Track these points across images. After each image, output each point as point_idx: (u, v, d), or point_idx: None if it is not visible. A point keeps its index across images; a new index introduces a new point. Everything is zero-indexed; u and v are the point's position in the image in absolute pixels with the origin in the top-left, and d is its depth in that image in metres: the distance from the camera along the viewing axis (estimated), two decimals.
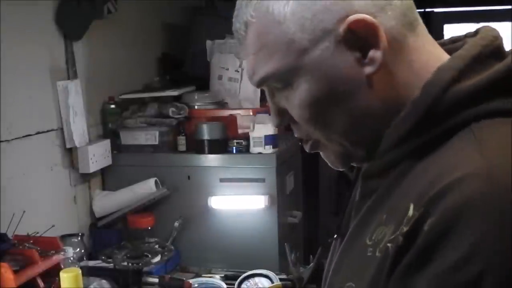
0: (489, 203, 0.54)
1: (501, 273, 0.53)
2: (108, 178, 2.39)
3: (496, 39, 0.67)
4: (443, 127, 0.63)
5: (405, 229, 0.58)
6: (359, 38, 0.64)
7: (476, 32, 0.70)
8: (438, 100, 0.63)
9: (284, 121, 0.74)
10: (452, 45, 0.73)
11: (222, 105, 2.52)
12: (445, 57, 0.67)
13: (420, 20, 0.69)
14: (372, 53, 0.65)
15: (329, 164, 0.77)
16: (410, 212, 0.59)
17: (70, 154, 2.17)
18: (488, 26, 0.70)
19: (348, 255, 0.71)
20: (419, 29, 0.68)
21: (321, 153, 0.76)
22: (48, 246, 1.66)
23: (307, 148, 0.76)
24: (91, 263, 2.04)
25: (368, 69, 0.65)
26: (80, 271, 1.43)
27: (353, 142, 0.71)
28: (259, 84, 0.71)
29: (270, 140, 2.19)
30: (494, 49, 0.66)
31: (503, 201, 0.54)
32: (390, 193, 0.67)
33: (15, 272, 1.50)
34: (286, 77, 0.68)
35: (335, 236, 0.82)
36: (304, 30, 0.66)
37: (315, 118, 0.69)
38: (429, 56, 0.68)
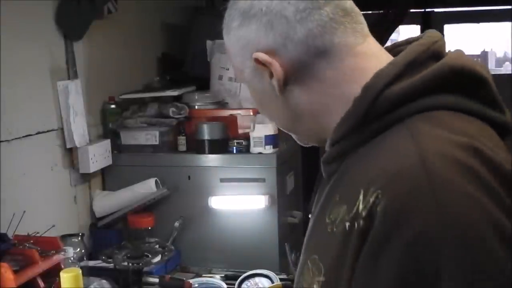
0: (426, 193, 0.66)
1: (455, 249, 0.64)
2: (108, 178, 2.39)
3: (434, 43, 0.79)
4: (380, 123, 0.76)
5: (363, 214, 0.69)
6: (265, 67, 0.83)
7: (421, 36, 0.82)
8: (375, 101, 0.75)
9: None
10: (401, 48, 0.84)
11: (222, 105, 2.52)
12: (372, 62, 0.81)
13: (342, 40, 0.81)
14: (273, 80, 0.83)
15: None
16: (361, 197, 0.70)
17: (70, 154, 2.17)
18: (431, 30, 0.83)
19: (314, 232, 0.85)
20: (335, 51, 0.81)
21: None
22: (48, 246, 1.66)
23: None
24: (91, 263, 2.04)
25: (275, 90, 0.84)
26: (80, 271, 1.43)
27: (295, 134, 0.93)
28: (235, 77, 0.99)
29: (270, 140, 2.19)
30: (432, 52, 0.78)
31: (434, 189, 0.66)
32: (342, 178, 0.80)
33: (15, 272, 1.50)
34: (242, 83, 0.92)
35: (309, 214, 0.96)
36: (237, 58, 0.88)
37: (263, 113, 0.95)
38: (350, 64, 0.81)
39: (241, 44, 0.85)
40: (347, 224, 0.71)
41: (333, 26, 0.80)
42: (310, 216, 0.93)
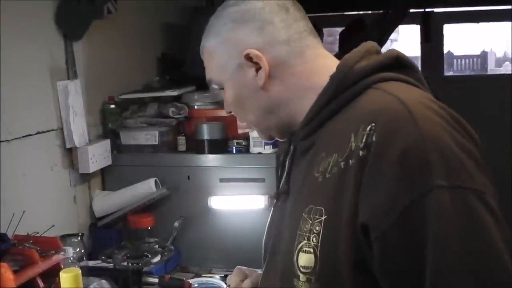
0: (408, 119, 0.84)
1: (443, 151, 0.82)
2: (108, 178, 2.39)
3: (375, 45, 1.02)
4: (351, 90, 0.95)
5: (361, 145, 0.86)
6: (253, 62, 1.01)
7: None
8: (348, 73, 0.96)
9: (227, 111, 1.13)
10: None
11: (222, 105, 2.50)
12: (333, 61, 1.03)
13: (312, 44, 1.04)
14: (260, 72, 1.01)
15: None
16: (352, 138, 0.88)
17: (70, 154, 2.17)
18: (370, 41, 1.04)
19: (304, 190, 0.97)
20: (308, 53, 1.03)
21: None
22: (48, 246, 1.66)
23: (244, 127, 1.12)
24: (91, 263, 2.04)
25: (260, 82, 1.02)
26: (80, 271, 1.42)
27: (265, 127, 1.08)
28: (208, 83, 1.11)
29: None
30: (376, 50, 1.01)
31: (414, 116, 0.84)
32: (324, 141, 0.96)
33: (15, 272, 1.50)
34: (219, 84, 1.09)
35: (277, 197, 1.10)
36: (222, 57, 1.05)
37: (236, 111, 1.09)
38: (319, 62, 1.03)
39: (231, 44, 1.03)
40: (342, 163, 0.88)
41: (306, 35, 1.04)
42: (279, 195, 1.09)
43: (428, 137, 0.82)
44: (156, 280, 1.95)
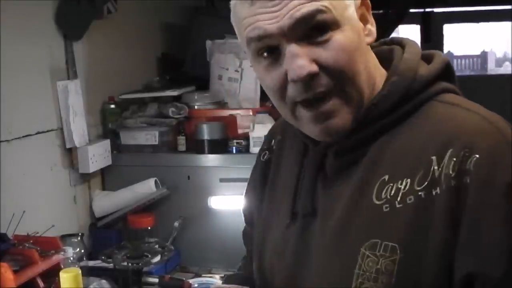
0: (504, 145, 0.75)
1: None
2: (108, 178, 2.39)
3: (420, 49, 0.90)
4: (415, 101, 0.82)
5: (451, 173, 0.74)
6: (363, 13, 0.85)
7: (401, 41, 0.91)
8: (413, 81, 0.83)
9: (313, 68, 0.79)
10: (380, 48, 0.92)
11: (222, 105, 2.51)
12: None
13: None
14: (369, 26, 0.85)
15: (329, 130, 0.83)
16: (434, 162, 0.75)
17: (70, 154, 2.17)
18: (409, 39, 0.91)
19: (355, 219, 0.81)
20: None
21: (332, 117, 0.82)
22: (48, 246, 1.66)
23: (324, 107, 0.81)
24: (91, 263, 2.04)
25: (368, 39, 0.85)
26: (80, 271, 1.42)
27: (363, 96, 0.83)
28: (316, 10, 0.78)
29: None
30: (420, 55, 0.89)
31: (509, 142, 0.75)
32: (381, 159, 0.81)
33: (15, 272, 1.50)
34: (336, 21, 0.80)
35: (291, 216, 0.92)
36: None
37: (349, 63, 0.80)
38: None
39: None
40: (422, 193, 0.76)
41: None
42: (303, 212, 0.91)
43: None
44: (156, 280, 1.94)
